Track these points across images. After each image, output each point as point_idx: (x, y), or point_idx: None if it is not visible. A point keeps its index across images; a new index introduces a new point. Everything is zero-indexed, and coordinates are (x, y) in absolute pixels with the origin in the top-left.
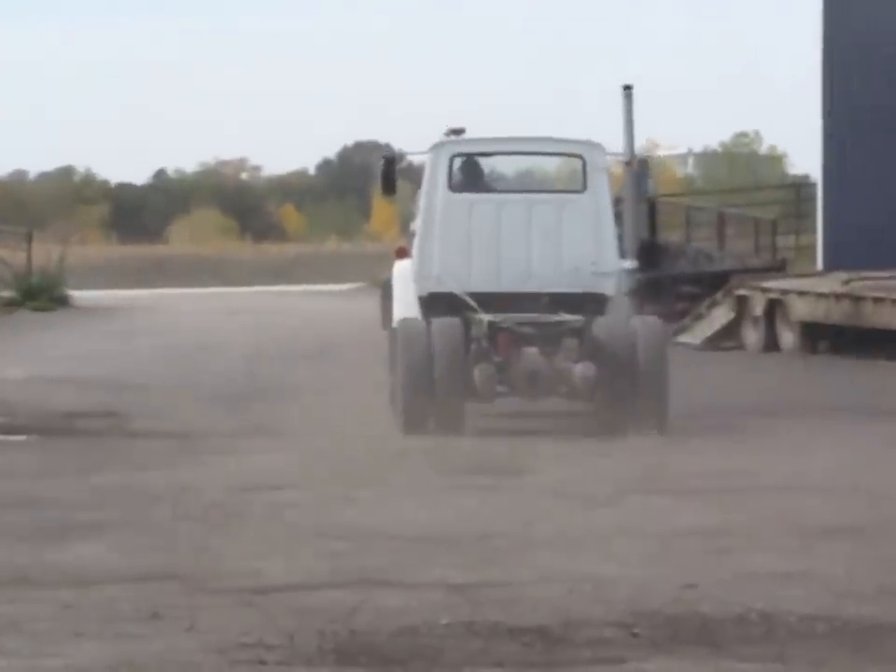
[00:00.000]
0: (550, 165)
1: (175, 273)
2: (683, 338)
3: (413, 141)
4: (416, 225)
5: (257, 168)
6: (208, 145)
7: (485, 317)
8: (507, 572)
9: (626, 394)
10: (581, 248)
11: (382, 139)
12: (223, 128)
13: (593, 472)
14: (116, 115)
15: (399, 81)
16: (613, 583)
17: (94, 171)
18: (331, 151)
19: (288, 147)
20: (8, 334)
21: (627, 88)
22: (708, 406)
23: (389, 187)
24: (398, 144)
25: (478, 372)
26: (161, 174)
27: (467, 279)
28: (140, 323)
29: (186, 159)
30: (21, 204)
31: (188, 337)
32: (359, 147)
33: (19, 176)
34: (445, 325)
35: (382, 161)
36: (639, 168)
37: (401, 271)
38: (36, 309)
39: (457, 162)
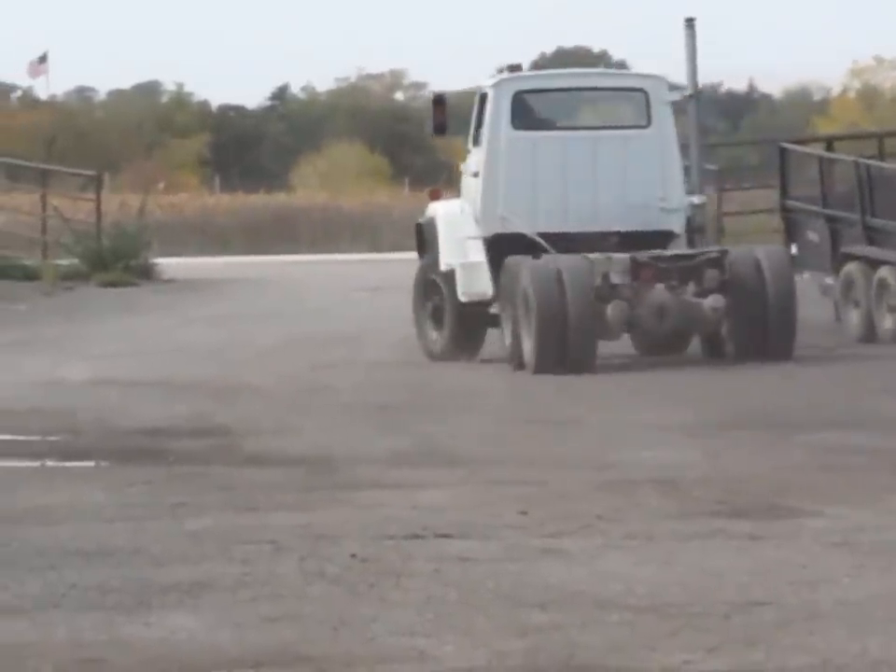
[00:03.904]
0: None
1: (301, 232)
2: None
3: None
4: (473, 164)
5: (418, 85)
6: (349, 52)
7: (624, 255)
8: (774, 656)
9: (755, 324)
10: (647, 185)
11: (579, 46)
12: (369, 29)
13: (887, 511)
14: (217, 9)
15: None
16: None
17: (189, 89)
18: (525, 62)
19: (460, 57)
20: (69, 319)
21: (690, 20)
22: None
23: (440, 127)
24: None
25: (611, 310)
26: (282, 93)
27: (532, 219)
28: (250, 304)
29: (317, 71)
30: (86, 136)
31: (316, 324)
32: (564, 55)
33: (83, 97)
34: (574, 263)
35: (432, 99)
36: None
37: (448, 212)
38: (108, 283)
39: (520, 99)
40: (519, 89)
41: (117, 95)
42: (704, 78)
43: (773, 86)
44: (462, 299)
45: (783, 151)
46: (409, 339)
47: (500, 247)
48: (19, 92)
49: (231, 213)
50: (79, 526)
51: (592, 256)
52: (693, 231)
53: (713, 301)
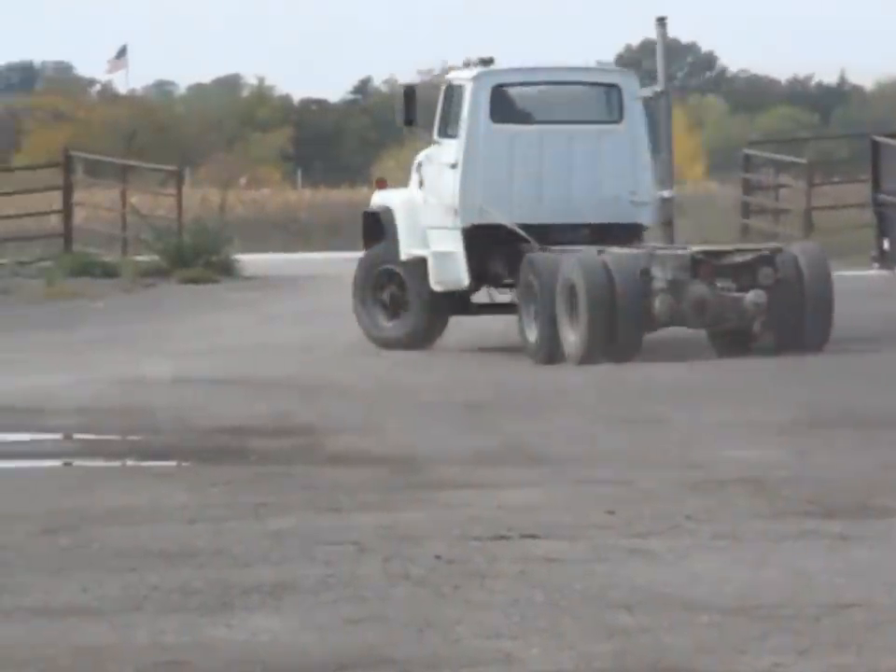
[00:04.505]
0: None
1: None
2: None
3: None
4: (448, 156)
5: None
6: (430, 44)
7: (685, 251)
8: (866, 658)
9: (794, 319)
10: (619, 178)
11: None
12: (451, 20)
13: None
14: (298, 1)
15: None
16: None
17: (270, 82)
18: (609, 55)
19: (551, 46)
20: (149, 316)
21: (661, 19)
22: None
23: (410, 119)
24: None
25: (658, 303)
26: (364, 86)
27: (508, 211)
28: (332, 300)
29: (400, 64)
30: (166, 131)
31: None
32: (651, 46)
33: (163, 91)
34: (624, 257)
35: (402, 91)
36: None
37: (407, 201)
38: (188, 280)
39: (499, 93)
40: (498, 82)
41: (197, 89)
42: (795, 71)
43: (864, 78)
44: (436, 288)
45: (875, 145)
46: (491, 336)
47: (476, 238)
48: (98, 87)
49: (313, 208)
50: (160, 527)
51: (637, 250)
52: (666, 224)
53: (755, 297)
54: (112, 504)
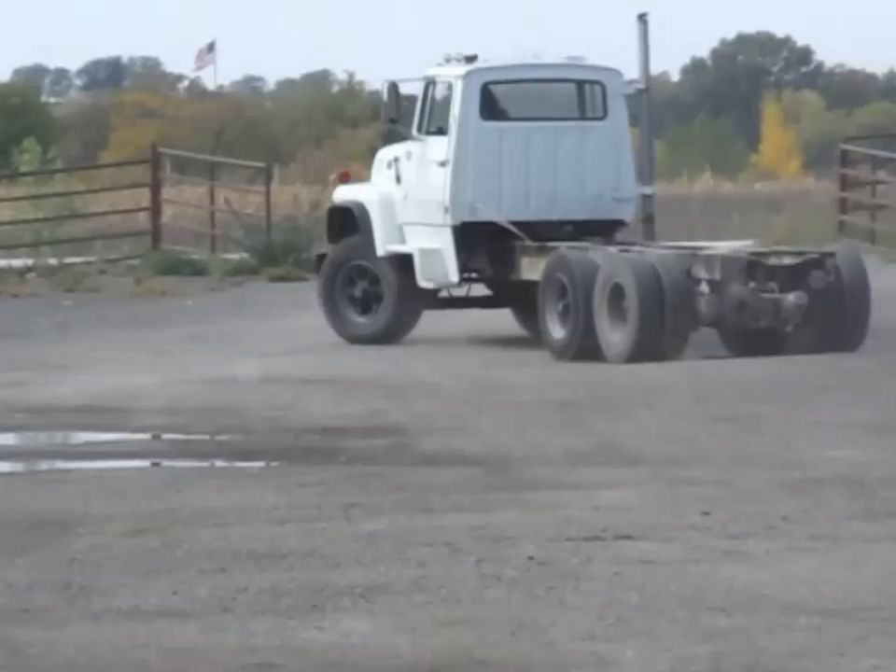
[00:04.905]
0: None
1: None
2: None
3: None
4: (436, 153)
5: None
6: (526, 38)
7: (741, 254)
8: None
9: (832, 319)
10: (603, 175)
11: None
12: (549, 14)
13: None
14: None
15: None
16: None
17: (360, 78)
18: (703, 50)
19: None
20: (237, 314)
21: (642, 15)
22: None
23: (394, 115)
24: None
25: (704, 303)
26: None
27: (497, 208)
28: None
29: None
30: (255, 127)
31: (491, 319)
32: (745, 40)
33: (251, 87)
34: (670, 258)
35: (387, 87)
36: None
37: (382, 197)
38: (277, 278)
39: (488, 90)
40: (488, 80)
41: (286, 85)
42: (892, 65)
43: None
44: (424, 285)
45: None
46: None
47: (464, 235)
48: (186, 83)
49: None
50: (250, 528)
51: (680, 251)
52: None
53: (796, 299)
54: (201, 505)
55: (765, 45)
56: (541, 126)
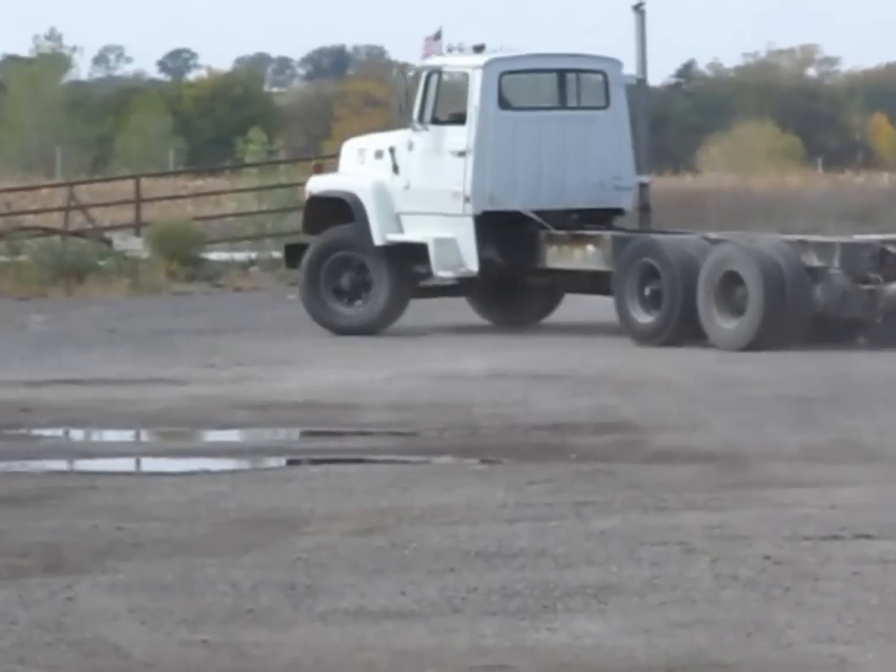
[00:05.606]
0: None
1: (709, 215)
2: None
3: None
4: (451, 143)
5: (831, 60)
6: (758, 26)
7: (875, 242)
8: None
9: None
10: (606, 164)
11: None
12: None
13: None
14: None
15: None
16: None
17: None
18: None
19: (877, 31)
20: (460, 309)
21: (638, 6)
22: None
23: (404, 102)
24: None
25: (821, 292)
26: (687, 70)
27: (514, 197)
28: None
29: (725, 47)
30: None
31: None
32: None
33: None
34: (786, 246)
35: (404, 76)
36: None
37: (377, 186)
38: None
39: (505, 80)
40: (505, 69)
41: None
42: None
43: None
44: (441, 275)
45: None
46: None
47: (483, 225)
48: (412, 72)
49: None
50: (479, 527)
51: (791, 239)
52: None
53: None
54: (428, 503)
55: None
56: (552, 115)
